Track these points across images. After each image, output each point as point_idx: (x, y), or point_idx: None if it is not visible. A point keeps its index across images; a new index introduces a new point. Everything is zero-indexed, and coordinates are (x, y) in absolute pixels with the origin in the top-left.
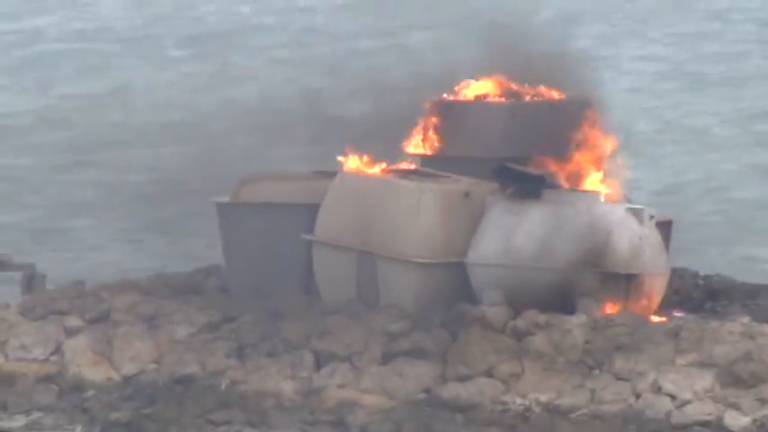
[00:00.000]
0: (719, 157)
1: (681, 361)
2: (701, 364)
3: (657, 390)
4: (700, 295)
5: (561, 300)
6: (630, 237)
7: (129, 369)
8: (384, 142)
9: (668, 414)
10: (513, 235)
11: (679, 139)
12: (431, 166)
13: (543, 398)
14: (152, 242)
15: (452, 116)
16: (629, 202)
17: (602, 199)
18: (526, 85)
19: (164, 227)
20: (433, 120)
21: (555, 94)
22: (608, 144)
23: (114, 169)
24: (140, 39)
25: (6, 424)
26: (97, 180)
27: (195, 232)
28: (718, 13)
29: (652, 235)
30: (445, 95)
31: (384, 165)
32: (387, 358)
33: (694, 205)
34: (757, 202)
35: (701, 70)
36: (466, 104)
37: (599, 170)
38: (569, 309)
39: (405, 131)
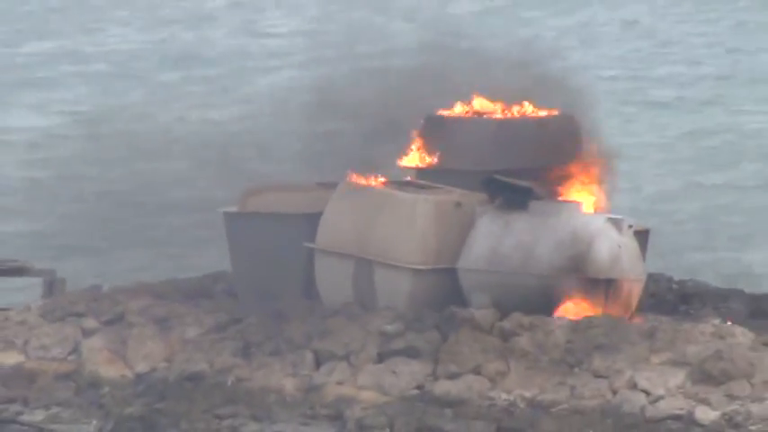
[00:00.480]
0: (668, 172)
1: (655, 359)
2: (675, 363)
3: (633, 386)
4: (674, 298)
5: (545, 303)
6: (610, 245)
7: (141, 367)
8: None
9: (643, 409)
10: (500, 242)
11: (635, 155)
12: (425, 179)
13: (527, 394)
14: (142, 251)
15: (444, 131)
16: (610, 212)
17: (585, 209)
18: (512, 103)
19: (151, 236)
20: (427, 134)
21: (541, 112)
22: (591, 157)
23: (107, 182)
24: (137, 61)
25: (27, 417)
26: (91, 192)
27: (182, 242)
28: (675, 35)
29: (630, 243)
30: (438, 112)
31: (381, 177)
32: (382, 357)
33: (649, 217)
34: (698, 214)
35: (656, 91)
36: (457, 120)
37: (584, 182)
38: (552, 311)
39: (389, 147)
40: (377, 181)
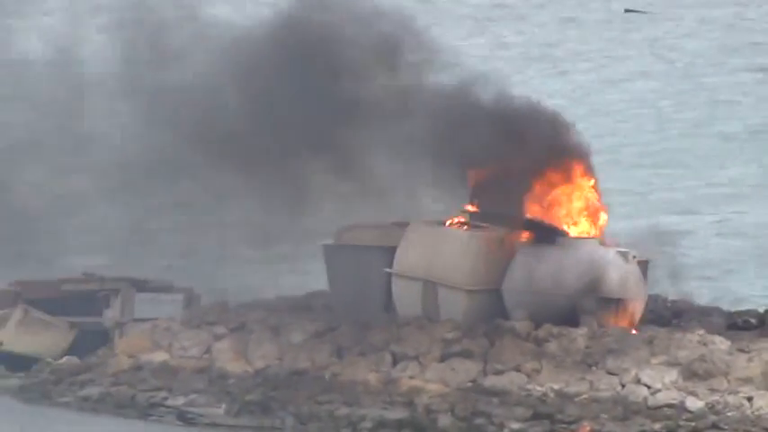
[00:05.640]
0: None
1: (654, 361)
2: (669, 363)
3: (637, 381)
4: (668, 314)
5: (569, 317)
6: (619, 271)
7: (259, 364)
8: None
9: (645, 399)
10: (535, 269)
11: None
12: (477, 220)
13: (556, 386)
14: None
15: (488, 186)
16: (618, 245)
17: (599, 244)
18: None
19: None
20: (476, 187)
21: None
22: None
23: None
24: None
25: (171, 402)
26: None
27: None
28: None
29: (634, 270)
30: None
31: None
32: (444, 357)
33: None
34: None
35: None
36: (497, 179)
37: (593, 220)
38: (575, 323)
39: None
40: (440, 222)
